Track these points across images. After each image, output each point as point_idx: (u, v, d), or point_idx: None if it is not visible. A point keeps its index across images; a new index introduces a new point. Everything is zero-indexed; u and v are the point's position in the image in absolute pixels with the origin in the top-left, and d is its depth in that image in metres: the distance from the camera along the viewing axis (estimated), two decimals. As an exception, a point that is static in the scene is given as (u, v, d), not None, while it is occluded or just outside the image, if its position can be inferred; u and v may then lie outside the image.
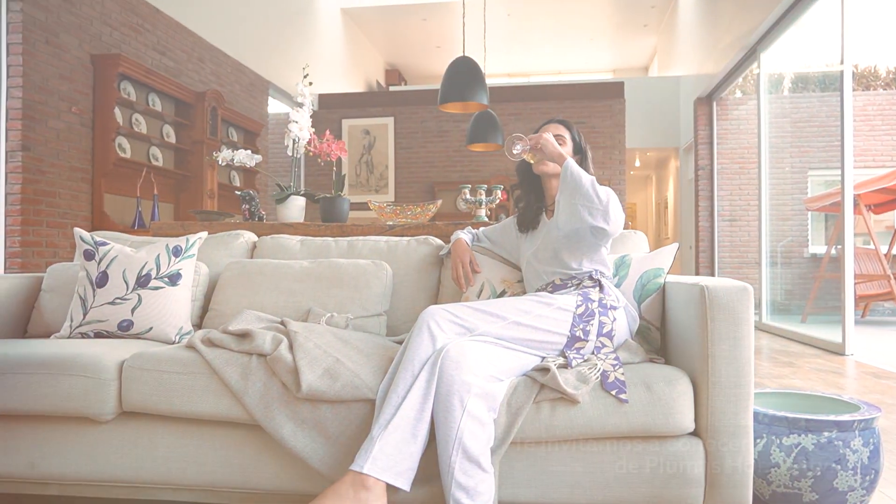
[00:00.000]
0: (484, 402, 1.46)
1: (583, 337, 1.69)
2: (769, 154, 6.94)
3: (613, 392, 1.53)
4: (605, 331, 1.72)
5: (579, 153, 2.06)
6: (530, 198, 2.08)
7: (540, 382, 1.56)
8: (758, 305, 6.96)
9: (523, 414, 1.52)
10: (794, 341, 5.71)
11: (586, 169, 2.03)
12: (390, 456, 1.41)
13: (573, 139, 2.06)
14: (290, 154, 3.09)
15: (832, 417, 1.69)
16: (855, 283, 6.08)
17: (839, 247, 5.26)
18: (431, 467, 1.50)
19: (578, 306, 1.73)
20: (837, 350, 4.89)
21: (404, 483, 1.43)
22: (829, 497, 1.67)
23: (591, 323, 1.71)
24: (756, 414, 1.76)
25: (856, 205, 6.32)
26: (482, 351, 1.55)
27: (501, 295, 2.03)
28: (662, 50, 11.49)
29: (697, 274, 8.35)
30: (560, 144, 1.99)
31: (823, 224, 7.96)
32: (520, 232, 2.10)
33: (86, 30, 4.78)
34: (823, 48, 5.92)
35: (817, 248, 7.78)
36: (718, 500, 1.54)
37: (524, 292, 2.01)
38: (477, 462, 1.42)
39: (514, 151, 1.89)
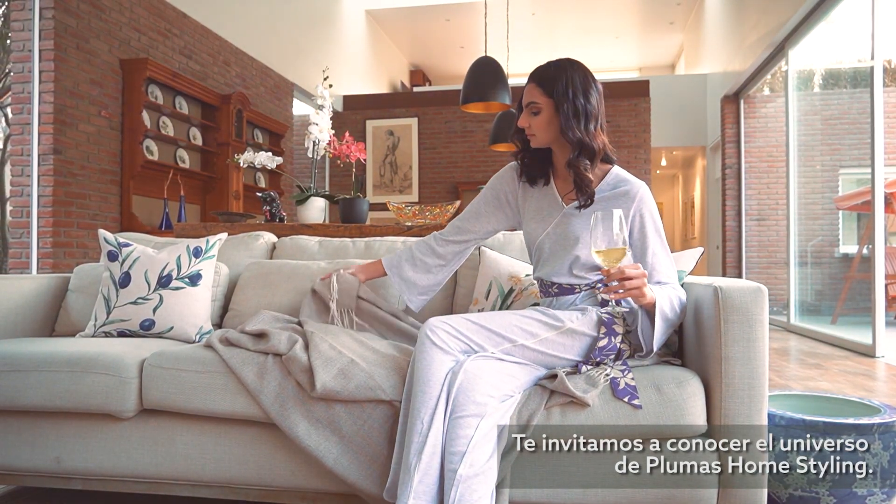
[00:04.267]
0: (496, 420, 1.48)
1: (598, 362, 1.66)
2: (798, 152, 6.81)
3: (626, 399, 1.52)
4: (622, 358, 1.69)
5: (560, 110, 1.67)
6: (534, 168, 1.83)
7: (549, 389, 1.56)
8: (786, 307, 6.84)
9: (535, 420, 1.53)
10: (823, 343, 5.60)
11: (571, 123, 1.66)
12: (426, 492, 1.44)
13: (549, 96, 1.68)
14: (310, 156, 3.13)
15: (850, 421, 1.66)
16: (887, 284, 5.93)
17: (870, 246, 5.15)
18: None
19: (601, 339, 1.65)
20: (867, 352, 4.79)
21: None
22: (848, 501, 1.64)
23: (609, 356, 1.65)
24: (773, 416, 1.74)
25: (888, 203, 6.16)
26: (498, 371, 1.54)
27: (510, 294, 2.03)
28: (689, 47, 11.35)
29: (724, 274, 8.23)
30: (535, 113, 1.71)
31: (855, 223, 7.78)
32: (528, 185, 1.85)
33: (115, 35, 4.89)
34: (854, 44, 5.80)
35: (848, 247, 7.60)
36: (732, 502, 1.52)
37: (533, 293, 1.98)
38: (483, 475, 1.43)
39: (609, 306, 1.70)
